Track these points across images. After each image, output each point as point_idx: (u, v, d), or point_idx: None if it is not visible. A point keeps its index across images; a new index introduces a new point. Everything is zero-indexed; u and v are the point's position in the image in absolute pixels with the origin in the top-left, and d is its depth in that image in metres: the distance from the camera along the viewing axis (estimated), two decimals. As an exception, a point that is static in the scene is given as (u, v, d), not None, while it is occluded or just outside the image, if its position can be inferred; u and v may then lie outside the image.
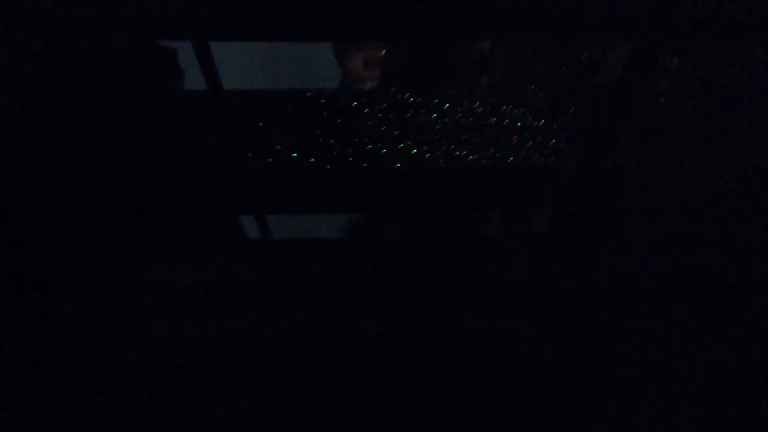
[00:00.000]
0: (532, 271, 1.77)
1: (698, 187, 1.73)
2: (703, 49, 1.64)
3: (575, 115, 1.74)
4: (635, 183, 1.76)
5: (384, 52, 2.68)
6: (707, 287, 1.72)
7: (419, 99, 1.88)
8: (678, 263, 1.75)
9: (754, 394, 1.66)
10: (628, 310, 1.74)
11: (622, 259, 1.79)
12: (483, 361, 1.62)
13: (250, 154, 1.85)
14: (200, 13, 1.31)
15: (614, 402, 1.72)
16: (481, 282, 1.77)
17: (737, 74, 1.64)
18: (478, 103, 1.86)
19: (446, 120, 1.87)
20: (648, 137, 1.74)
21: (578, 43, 1.79)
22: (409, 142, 1.87)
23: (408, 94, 1.88)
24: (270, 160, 1.85)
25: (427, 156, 1.86)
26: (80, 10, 1.22)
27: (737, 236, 1.72)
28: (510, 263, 1.82)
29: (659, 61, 1.68)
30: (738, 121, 1.67)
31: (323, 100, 1.90)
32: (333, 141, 1.88)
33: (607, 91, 1.58)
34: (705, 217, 1.74)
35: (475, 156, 1.84)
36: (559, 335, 1.68)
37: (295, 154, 1.85)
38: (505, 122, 1.85)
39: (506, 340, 1.65)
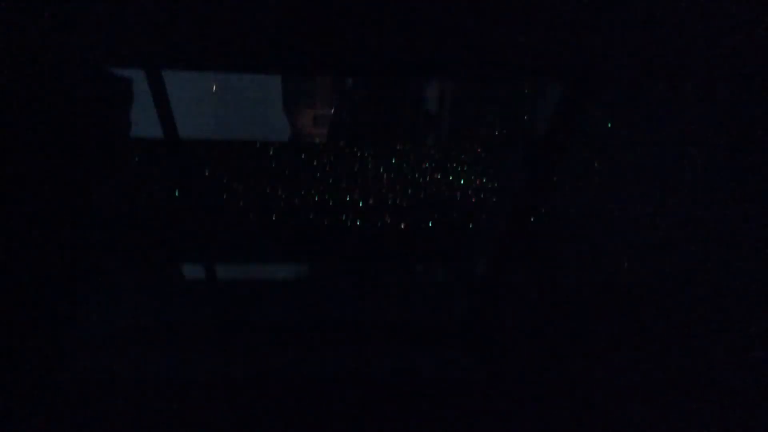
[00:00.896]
0: (474, 312, 1.81)
1: (633, 232, 1.81)
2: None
3: (513, 168, 1.81)
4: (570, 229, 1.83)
5: (333, 110, 2.74)
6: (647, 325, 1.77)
7: (366, 153, 1.92)
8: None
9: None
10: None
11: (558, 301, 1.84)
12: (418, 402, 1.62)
13: (198, 201, 1.85)
14: (159, 45, 1.33)
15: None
16: (423, 322, 1.78)
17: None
18: (423, 159, 1.92)
19: (392, 174, 1.91)
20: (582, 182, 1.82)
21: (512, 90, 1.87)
22: (356, 195, 1.91)
23: (356, 148, 1.93)
24: (218, 207, 1.85)
25: (373, 208, 1.89)
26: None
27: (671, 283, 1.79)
28: (452, 305, 1.85)
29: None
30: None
31: (272, 152, 1.93)
32: (280, 191, 1.90)
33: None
34: (640, 259, 1.81)
35: (418, 210, 1.88)
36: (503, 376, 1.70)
37: (242, 203, 1.86)
38: (449, 178, 1.90)
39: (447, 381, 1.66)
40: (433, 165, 1.91)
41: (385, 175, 1.91)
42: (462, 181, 1.90)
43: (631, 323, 1.78)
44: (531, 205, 1.77)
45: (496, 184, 1.87)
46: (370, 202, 1.90)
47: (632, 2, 1.37)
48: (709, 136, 1.79)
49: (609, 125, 1.81)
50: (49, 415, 1.49)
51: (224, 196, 1.86)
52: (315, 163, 1.93)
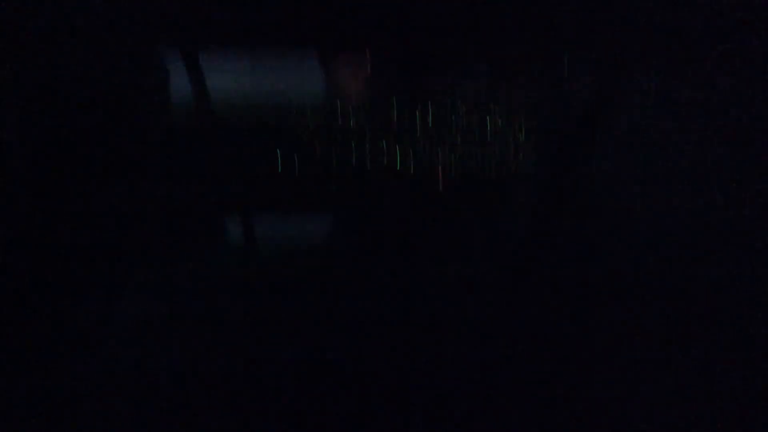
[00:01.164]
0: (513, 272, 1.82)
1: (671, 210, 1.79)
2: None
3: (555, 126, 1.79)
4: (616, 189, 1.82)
5: (370, 67, 2.72)
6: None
7: (404, 107, 1.92)
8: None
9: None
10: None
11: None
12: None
13: (240, 162, 1.87)
14: (191, 20, 1.33)
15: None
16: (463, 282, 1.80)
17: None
18: (464, 111, 1.90)
19: (432, 127, 1.90)
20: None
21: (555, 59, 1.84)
22: (397, 148, 1.91)
23: (394, 100, 1.92)
24: (258, 167, 1.87)
25: (412, 161, 1.89)
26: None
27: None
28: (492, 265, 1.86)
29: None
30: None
31: (310, 110, 1.93)
32: (320, 150, 1.91)
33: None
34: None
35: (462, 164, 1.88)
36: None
37: (285, 166, 1.88)
38: (488, 129, 1.89)
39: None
40: (474, 119, 1.90)
41: (422, 134, 1.90)
42: (506, 137, 1.89)
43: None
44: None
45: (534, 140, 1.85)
46: (410, 160, 1.90)
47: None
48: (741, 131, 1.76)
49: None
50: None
51: (272, 159, 1.88)
52: (354, 122, 1.93)
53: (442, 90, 2.16)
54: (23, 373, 1.58)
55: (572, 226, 1.83)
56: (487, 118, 1.88)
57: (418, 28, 1.60)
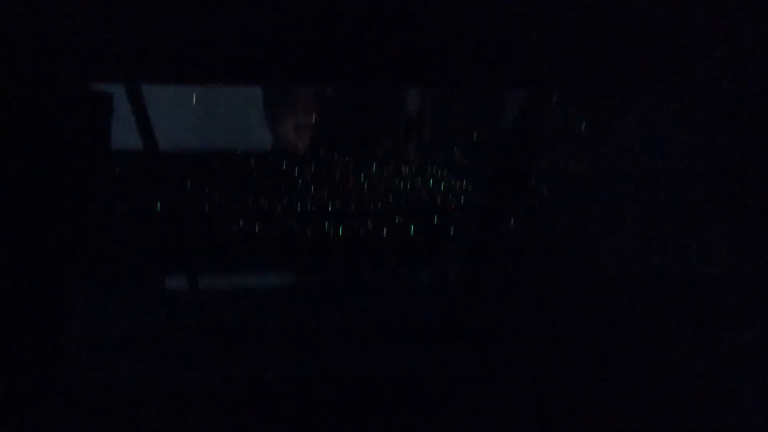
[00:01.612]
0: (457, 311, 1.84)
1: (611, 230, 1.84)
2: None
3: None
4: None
5: (314, 117, 2.75)
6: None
7: (348, 160, 1.94)
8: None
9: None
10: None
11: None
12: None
13: (180, 213, 1.86)
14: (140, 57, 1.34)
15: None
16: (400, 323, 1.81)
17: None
18: (405, 165, 1.94)
19: (374, 181, 1.93)
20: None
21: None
22: (338, 203, 1.92)
23: (336, 155, 1.94)
24: (199, 218, 1.86)
25: (355, 215, 1.91)
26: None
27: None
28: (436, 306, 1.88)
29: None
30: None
31: (253, 162, 1.94)
32: (262, 201, 1.91)
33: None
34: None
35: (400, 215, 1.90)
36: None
37: (224, 212, 1.87)
38: (430, 183, 1.92)
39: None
40: (414, 170, 1.93)
41: (366, 182, 1.92)
42: (442, 186, 1.92)
43: (624, 320, 1.80)
44: (510, 206, 1.80)
45: (475, 188, 1.90)
46: (352, 208, 1.92)
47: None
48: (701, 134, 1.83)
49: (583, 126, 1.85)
50: (47, 421, 1.49)
51: (206, 207, 1.87)
52: (296, 172, 1.94)
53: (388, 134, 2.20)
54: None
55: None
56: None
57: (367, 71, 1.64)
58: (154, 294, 1.86)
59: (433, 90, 2.08)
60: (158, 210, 1.78)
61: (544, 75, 1.45)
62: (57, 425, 1.49)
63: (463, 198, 1.91)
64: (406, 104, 2.27)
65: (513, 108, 1.80)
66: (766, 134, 1.69)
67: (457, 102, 2.07)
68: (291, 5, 1.31)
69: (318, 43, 1.38)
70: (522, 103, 1.71)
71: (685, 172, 1.88)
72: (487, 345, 1.74)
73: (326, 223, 1.90)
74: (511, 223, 1.85)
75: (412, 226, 1.91)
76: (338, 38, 1.39)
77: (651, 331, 1.76)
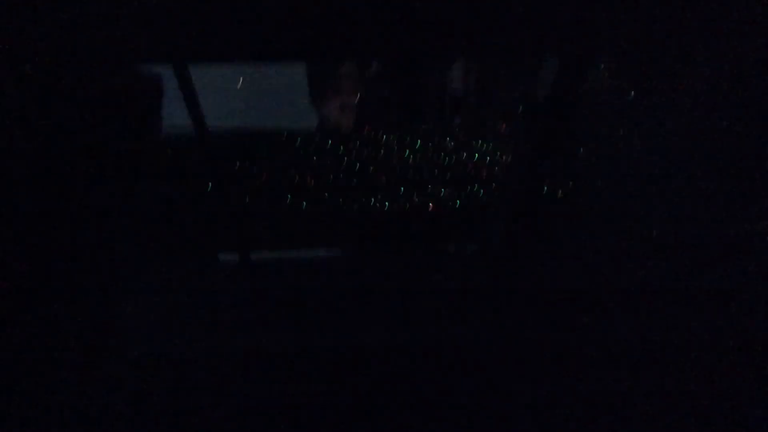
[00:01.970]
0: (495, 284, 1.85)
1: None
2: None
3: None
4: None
5: (358, 96, 2.76)
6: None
7: (392, 137, 1.95)
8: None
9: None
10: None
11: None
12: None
13: (229, 192, 1.90)
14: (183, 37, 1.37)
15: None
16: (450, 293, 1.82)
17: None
18: (448, 139, 1.93)
19: (418, 157, 1.94)
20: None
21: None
22: (383, 179, 1.93)
23: (381, 132, 1.95)
24: (248, 197, 1.90)
25: (401, 191, 1.92)
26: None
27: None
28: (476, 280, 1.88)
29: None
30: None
31: (299, 141, 1.97)
32: (310, 179, 1.94)
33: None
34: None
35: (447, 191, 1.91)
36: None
37: (273, 190, 1.90)
38: (475, 157, 1.92)
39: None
40: (458, 144, 1.93)
41: (411, 158, 1.93)
42: (488, 159, 1.92)
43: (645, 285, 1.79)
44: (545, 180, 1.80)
45: (519, 161, 1.88)
46: (397, 184, 1.93)
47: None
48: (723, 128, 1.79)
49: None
50: (95, 396, 1.55)
51: (255, 185, 1.91)
52: (342, 150, 1.96)
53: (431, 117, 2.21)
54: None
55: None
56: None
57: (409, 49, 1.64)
58: (206, 269, 1.91)
59: (476, 63, 2.07)
60: (208, 188, 1.83)
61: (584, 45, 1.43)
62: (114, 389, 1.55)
63: (507, 170, 1.91)
64: (448, 79, 2.26)
65: (555, 77, 1.78)
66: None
67: (499, 75, 2.05)
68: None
69: (360, 18, 1.39)
70: (564, 72, 1.70)
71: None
72: (532, 316, 1.75)
73: (372, 199, 1.92)
74: (557, 194, 1.84)
75: (458, 201, 1.92)
76: (380, 14, 1.40)
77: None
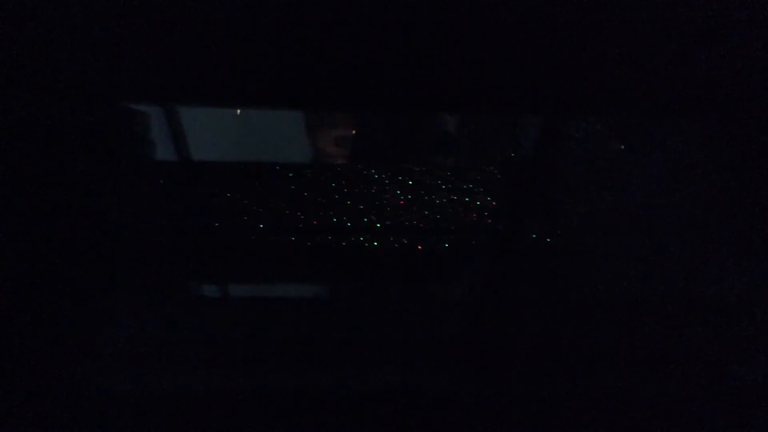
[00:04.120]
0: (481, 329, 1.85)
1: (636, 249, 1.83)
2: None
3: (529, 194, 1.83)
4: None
5: (354, 131, 2.78)
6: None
7: (384, 175, 1.96)
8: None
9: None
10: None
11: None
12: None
13: (217, 224, 1.89)
14: (174, 79, 1.38)
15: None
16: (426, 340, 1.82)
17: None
18: (439, 181, 1.94)
19: (409, 196, 1.94)
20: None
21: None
22: (373, 217, 1.94)
23: (374, 170, 1.96)
24: (237, 230, 1.90)
25: (389, 230, 1.92)
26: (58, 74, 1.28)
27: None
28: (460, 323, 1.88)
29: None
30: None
31: (291, 174, 1.97)
32: (299, 213, 1.94)
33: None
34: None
35: (434, 232, 1.91)
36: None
37: (262, 225, 1.90)
38: (465, 199, 1.93)
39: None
40: (449, 187, 1.94)
41: (402, 197, 1.94)
42: (478, 203, 1.93)
43: (633, 338, 1.79)
44: (534, 226, 1.81)
45: (509, 206, 1.90)
46: (388, 223, 1.93)
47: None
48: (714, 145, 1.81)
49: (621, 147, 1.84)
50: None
51: (244, 218, 1.91)
52: (333, 185, 1.97)
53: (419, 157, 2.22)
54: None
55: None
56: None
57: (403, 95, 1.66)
58: (188, 303, 1.90)
59: (468, 113, 2.10)
60: (195, 220, 1.83)
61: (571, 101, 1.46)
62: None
63: (497, 216, 1.92)
64: (442, 124, 2.28)
65: (541, 131, 1.81)
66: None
67: (490, 123, 2.08)
68: (334, 37, 1.34)
69: (358, 69, 1.41)
70: (548, 126, 1.72)
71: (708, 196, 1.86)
72: (510, 363, 1.74)
73: (361, 237, 1.92)
74: (537, 241, 1.85)
75: (447, 243, 1.92)
76: (379, 65, 1.42)
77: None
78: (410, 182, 1.96)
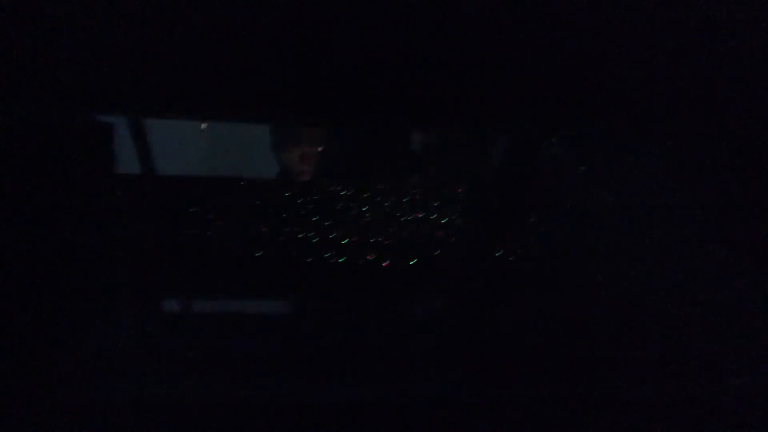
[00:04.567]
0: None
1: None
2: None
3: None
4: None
5: (320, 148, 2.78)
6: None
7: (350, 192, 1.95)
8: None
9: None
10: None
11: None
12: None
13: (181, 238, 1.87)
14: (140, 90, 1.36)
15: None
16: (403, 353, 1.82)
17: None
18: (407, 198, 1.95)
19: (375, 213, 1.94)
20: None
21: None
22: (338, 234, 1.93)
23: (339, 187, 1.96)
24: (201, 244, 1.87)
25: (355, 247, 1.92)
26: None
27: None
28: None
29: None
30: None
31: (256, 189, 1.96)
32: (264, 228, 1.92)
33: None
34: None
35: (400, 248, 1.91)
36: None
37: (225, 240, 1.88)
38: (431, 217, 1.93)
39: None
40: (415, 204, 1.95)
41: (367, 214, 1.94)
42: (444, 221, 1.94)
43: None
44: (504, 244, 1.82)
45: (476, 223, 1.91)
46: (354, 239, 1.92)
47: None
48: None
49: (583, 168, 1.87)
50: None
51: (208, 232, 1.88)
52: (299, 201, 1.96)
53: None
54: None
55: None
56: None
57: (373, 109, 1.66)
58: (153, 319, 1.86)
59: (436, 132, 2.11)
60: (161, 235, 1.80)
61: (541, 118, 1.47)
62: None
63: (461, 232, 1.93)
64: (409, 140, 2.30)
65: (510, 148, 1.82)
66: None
67: (457, 140, 2.10)
68: (304, 48, 1.34)
69: (326, 85, 1.40)
70: (519, 143, 1.74)
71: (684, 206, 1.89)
72: (483, 376, 1.74)
73: (326, 253, 1.91)
74: (508, 258, 1.87)
75: (413, 260, 1.92)
76: (348, 81, 1.42)
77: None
78: (377, 199, 1.96)
